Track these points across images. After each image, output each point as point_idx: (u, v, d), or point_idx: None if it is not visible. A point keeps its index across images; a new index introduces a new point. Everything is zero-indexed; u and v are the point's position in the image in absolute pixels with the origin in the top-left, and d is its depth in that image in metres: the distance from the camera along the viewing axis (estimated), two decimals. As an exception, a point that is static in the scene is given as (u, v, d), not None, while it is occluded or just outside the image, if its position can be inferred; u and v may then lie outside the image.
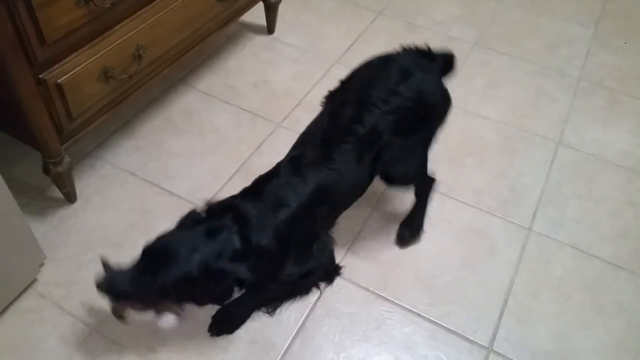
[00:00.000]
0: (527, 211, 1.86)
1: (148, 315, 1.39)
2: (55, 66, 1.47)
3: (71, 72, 1.51)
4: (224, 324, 1.52)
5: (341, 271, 1.65)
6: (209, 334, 1.50)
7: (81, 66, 1.53)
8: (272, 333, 1.52)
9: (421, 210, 1.76)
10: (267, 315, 1.55)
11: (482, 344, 1.54)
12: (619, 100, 2.29)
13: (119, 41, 1.62)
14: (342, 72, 2.33)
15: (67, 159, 1.66)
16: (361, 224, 1.79)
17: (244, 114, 2.13)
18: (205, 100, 2.17)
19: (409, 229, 1.75)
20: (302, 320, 1.56)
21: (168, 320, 1.38)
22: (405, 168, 1.58)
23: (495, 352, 1.52)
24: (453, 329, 1.56)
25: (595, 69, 2.42)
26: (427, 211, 1.77)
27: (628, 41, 2.56)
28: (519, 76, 2.36)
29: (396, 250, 1.73)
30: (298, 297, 1.59)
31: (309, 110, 2.14)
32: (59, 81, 1.49)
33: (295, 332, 1.53)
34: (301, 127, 2.09)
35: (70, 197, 1.78)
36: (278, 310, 1.56)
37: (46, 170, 1.66)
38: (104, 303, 1.53)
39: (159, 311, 1.37)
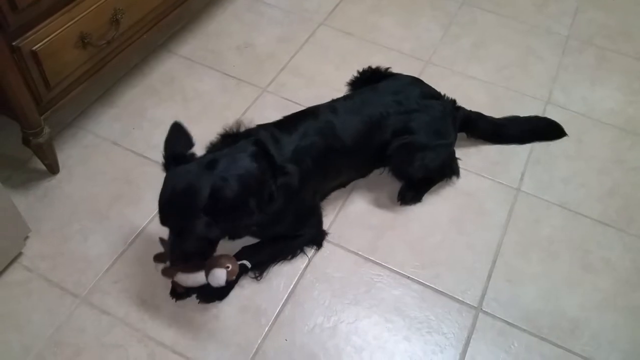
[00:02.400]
0: (516, 172, 1.85)
1: (199, 278, 1.40)
2: (29, 33, 1.42)
3: (46, 39, 1.46)
4: (214, 290, 1.51)
5: (328, 236, 1.65)
6: (198, 301, 1.50)
7: (56, 32, 1.48)
8: (262, 300, 1.52)
9: (430, 186, 1.77)
10: (254, 279, 1.55)
11: (471, 304, 1.55)
12: (608, 58, 2.26)
13: (96, 5, 1.56)
14: (328, 33, 2.30)
15: (47, 130, 1.62)
16: (350, 188, 1.77)
17: (228, 79, 2.08)
18: (187, 66, 2.11)
19: (413, 193, 1.75)
20: (292, 286, 1.56)
21: (219, 277, 1.39)
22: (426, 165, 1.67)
23: (484, 312, 1.54)
24: (442, 290, 1.57)
25: (584, 27, 2.38)
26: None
27: (617, -3, 2.52)
28: (506, 35, 2.32)
29: (385, 214, 1.73)
30: (284, 260, 1.59)
31: (295, 74, 2.11)
32: (33, 48, 1.43)
33: (285, 297, 1.53)
34: (287, 92, 2.07)
35: (52, 169, 1.74)
36: (265, 274, 1.56)
37: (26, 142, 1.62)
38: (95, 273, 1.54)
39: (210, 268, 1.39)
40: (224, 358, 1.42)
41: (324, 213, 1.67)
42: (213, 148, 1.49)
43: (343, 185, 1.75)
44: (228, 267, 1.41)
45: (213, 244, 1.40)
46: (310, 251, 1.62)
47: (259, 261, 1.54)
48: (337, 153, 1.57)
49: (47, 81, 1.52)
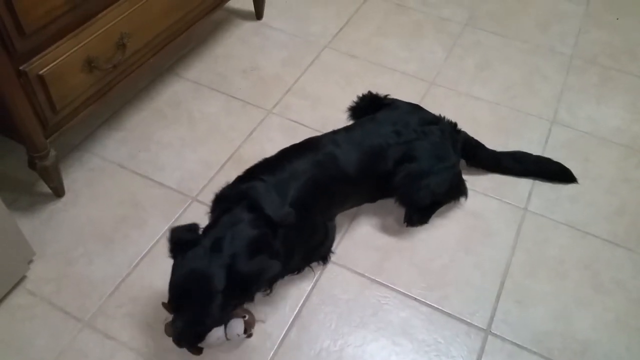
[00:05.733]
0: (523, 191, 1.84)
1: (218, 334, 1.37)
2: (36, 57, 1.43)
3: (53, 63, 1.47)
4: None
5: (334, 257, 1.63)
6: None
7: (63, 57, 1.49)
8: (267, 323, 1.50)
9: (438, 207, 1.76)
10: (265, 294, 1.53)
11: (480, 326, 1.52)
12: (612, 77, 2.26)
13: (102, 30, 1.58)
14: (332, 56, 2.32)
15: (53, 153, 1.63)
16: (355, 211, 1.76)
17: (234, 101, 2.09)
18: (194, 89, 2.13)
19: (420, 215, 1.74)
20: (297, 308, 1.54)
21: (236, 327, 1.38)
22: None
23: (494, 334, 1.51)
24: (450, 312, 1.55)
25: (587, 46, 2.39)
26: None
27: (620, 17, 2.53)
28: (511, 55, 2.33)
29: (391, 235, 1.71)
30: (293, 274, 1.58)
31: (300, 96, 2.12)
32: (40, 73, 1.45)
33: (291, 320, 1.51)
34: (293, 114, 2.08)
35: (58, 192, 1.74)
36: (274, 288, 1.53)
37: (32, 165, 1.62)
38: (99, 297, 1.53)
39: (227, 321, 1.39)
40: (228, 383, 1.39)
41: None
42: (210, 217, 1.48)
43: (349, 208, 1.75)
44: (245, 317, 1.40)
45: None
46: (316, 266, 1.60)
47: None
48: (341, 183, 1.58)
49: (54, 105, 1.53)
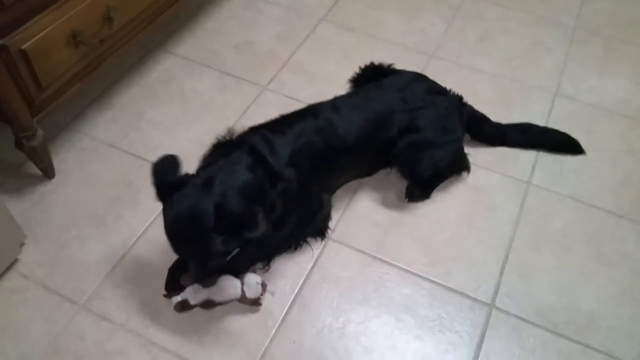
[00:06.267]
0: (526, 164, 1.80)
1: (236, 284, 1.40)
2: (17, 31, 1.37)
3: (36, 37, 1.41)
4: None
5: (333, 235, 1.60)
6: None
7: (46, 30, 1.43)
8: (268, 301, 1.46)
9: (439, 182, 1.72)
10: (263, 270, 1.50)
11: (484, 300, 1.49)
12: (616, 47, 2.21)
13: (87, 2, 1.51)
14: (328, 29, 2.25)
15: (40, 132, 1.57)
16: (355, 186, 1.72)
17: (227, 77, 2.03)
18: (185, 65, 2.06)
19: (421, 190, 1.69)
20: (298, 287, 1.50)
21: (255, 277, 1.42)
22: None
23: (498, 308, 1.48)
24: (453, 288, 1.52)
25: (590, 17, 2.33)
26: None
27: (623, -15, 2.47)
28: (512, 27, 2.27)
29: (392, 211, 1.67)
30: (290, 250, 1.55)
31: (296, 72, 2.06)
32: (22, 47, 1.39)
33: (292, 299, 1.48)
34: (288, 90, 2.02)
35: (48, 173, 1.69)
36: (272, 264, 1.51)
37: (19, 145, 1.57)
38: (94, 279, 1.49)
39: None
40: (229, 363, 1.36)
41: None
42: (206, 161, 1.43)
43: (347, 181, 1.70)
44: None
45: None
46: (314, 243, 1.57)
47: (269, 250, 1.51)
48: (339, 152, 1.52)
49: (39, 81, 1.47)
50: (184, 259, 1.38)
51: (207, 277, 1.36)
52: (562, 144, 1.83)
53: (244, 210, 1.25)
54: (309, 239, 1.57)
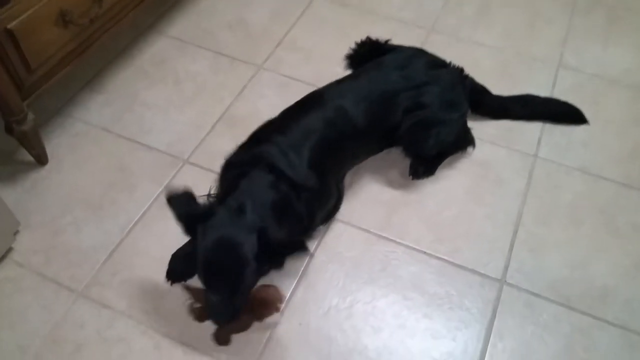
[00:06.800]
0: (532, 138, 1.75)
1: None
2: (3, 9, 1.31)
3: (22, 16, 1.35)
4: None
5: (337, 214, 1.55)
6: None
7: (33, 9, 1.37)
8: (272, 283, 1.42)
9: (444, 158, 1.67)
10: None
11: (494, 277, 1.45)
12: (619, 16, 2.16)
13: (74, -21, 1.45)
14: (324, 5, 2.19)
15: (31, 117, 1.52)
16: (358, 165, 1.67)
17: (221, 58, 1.97)
18: (178, 46, 2.00)
19: (425, 166, 1.65)
20: (303, 267, 1.46)
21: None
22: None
23: (509, 284, 1.44)
24: (462, 264, 1.48)
25: (592, -15, 2.27)
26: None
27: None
28: (512, -2, 2.22)
29: (397, 189, 1.63)
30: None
31: (292, 50, 2.01)
32: (8, 26, 1.33)
33: (296, 281, 1.44)
34: (285, 68, 1.97)
35: (40, 159, 1.64)
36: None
37: (9, 130, 1.51)
38: (91, 266, 1.44)
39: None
40: (235, 346, 1.32)
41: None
42: (223, 184, 1.37)
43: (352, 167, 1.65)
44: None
45: None
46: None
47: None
48: (350, 139, 1.48)
49: (27, 63, 1.42)
50: (208, 296, 1.24)
51: (227, 319, 1.24)
52: (565, 114, 1.79)
53: (282, 231, 1.21)
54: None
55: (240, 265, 1.17)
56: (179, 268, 1.39)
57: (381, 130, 1.56)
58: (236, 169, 1.35)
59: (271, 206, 1.24)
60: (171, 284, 1.39)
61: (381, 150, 1.67)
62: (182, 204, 1.23)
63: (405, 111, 1.54)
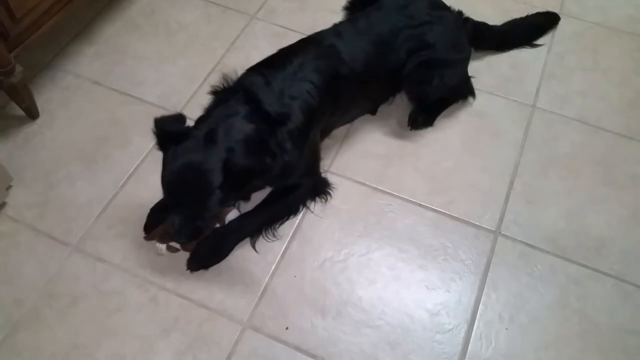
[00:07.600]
0: (530, 87, 1.72)
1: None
2: (-18, -46, 1.26)
3: (3, -39, 1.30)
4: (206, 257, 1.37)
5: (330, 188, 1.50)
6: (187, 269, 1.36)
7: (15, -47, 1.32)
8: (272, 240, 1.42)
9: (444, 108, 1.65)
10: (269, 240, 1.42)
11: (489, 228, 1.45)
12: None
13: None
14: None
15: (19, 69, 1.48)
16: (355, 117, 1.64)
17: (212, 7, 1.92)
18: (168, -4, 1.94)
19: (424, 116, 1.62)
20: (297, 221, 1.45)
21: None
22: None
23: (504, 235, 1.44)
24: (457, 216, 1.47)
25: None
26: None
27: None
28: (513, -57, 2.13)
29: (392, 141, 1.61)
30: (290, 216, 1.45)
31: (286, -3, 1.94)
32: (-11, -28, 1.28)
33: (291, 234, 1.43)
34: (279, 18, 1.91)
35: (31, 113, 1.61)
36: (276, 234, 1.42)
37: (-3, 83, 1.48)
38: (85, 220, 1.44)
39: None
40: (230, 298, 1.33)
41: (325, 144, 1.56)
42: (206, 110, 1.34)
43: (351, 120, 1.62)
44: None
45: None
46: (313, 205, 1.47)
47: (262, 223, 1.42)
48: (347, 81, 1.42)
49: (12, 12, 1.38)
50: (171, 213, 1.26)
51: (189, 239, 1.27)
52: (543, 19, 1.86)
53: (249, 165, 1.19)
54: (309, 202, 1.47)
55: (204, 190, 1.18)
56: (155, 222, 1.39)
57: (383, 72, 1.51)
58: (218, 94, 1.34)
59: (243, 137, 1.22)
60: (145, 239, 1.39)
61: (382, 102, 1.64)
62: (164, 123, 1.23)
63: (409, 52, 1.50)
